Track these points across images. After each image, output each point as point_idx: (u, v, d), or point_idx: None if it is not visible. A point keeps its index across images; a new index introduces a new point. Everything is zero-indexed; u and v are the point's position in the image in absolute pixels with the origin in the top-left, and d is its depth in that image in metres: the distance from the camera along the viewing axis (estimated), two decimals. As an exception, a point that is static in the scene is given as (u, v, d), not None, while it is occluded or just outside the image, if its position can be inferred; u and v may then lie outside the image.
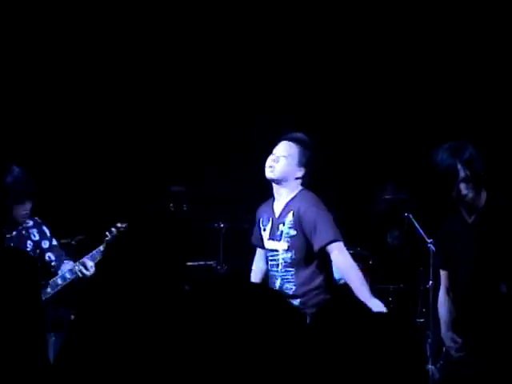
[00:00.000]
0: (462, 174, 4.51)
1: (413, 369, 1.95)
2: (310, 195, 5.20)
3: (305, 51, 8.02)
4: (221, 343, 1.89)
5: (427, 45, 7.74)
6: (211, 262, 7.33)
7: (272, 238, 5.27)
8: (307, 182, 5.21)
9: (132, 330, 2.60)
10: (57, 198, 7.66)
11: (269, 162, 5.25)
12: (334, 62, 7.99)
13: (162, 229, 2.80)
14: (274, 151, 5.26)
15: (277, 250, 5.22)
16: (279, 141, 5.30)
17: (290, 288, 5.13)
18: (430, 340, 6.26)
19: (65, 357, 2.61)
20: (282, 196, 5.24)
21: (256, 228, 5.44)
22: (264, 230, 5.33)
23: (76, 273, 5.59)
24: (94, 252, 5.63)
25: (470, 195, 4.56)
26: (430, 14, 7.66)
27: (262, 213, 5.39)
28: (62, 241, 6.83)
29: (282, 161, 5.20)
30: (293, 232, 5.15)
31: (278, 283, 5.18)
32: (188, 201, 7.75)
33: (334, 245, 5.02)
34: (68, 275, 5.64)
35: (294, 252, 5.15)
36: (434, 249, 6.28)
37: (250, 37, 8.00)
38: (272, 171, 5.21)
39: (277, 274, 5.22)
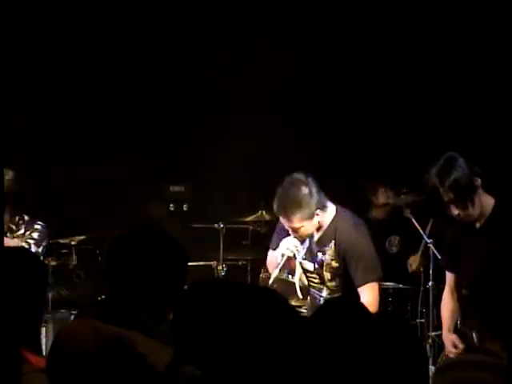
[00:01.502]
0: (445, 198, 4.55)
1: (415, 370, 1.95)
2: (348, 222, 4.98)
3: (304, 55, 8.00)
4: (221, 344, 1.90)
5: (427, 47, 7.73)
6: (211, 262, 7.33)
7: (310, 259, 5.10)
8: (324, 204, 4.94)
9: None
10: (57, 199, 7.66)
11: (295, 235, 5.01)
12: (332, 67, 7.99)
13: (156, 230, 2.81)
14: (289, 227, 4.98)
15: (318, 274, 5.08)
16: (277, 214, 4.99)
17: None
18: (430, 340, 6.25)
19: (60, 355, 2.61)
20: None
21: (279, 237, 5.18)
22: None
23: None
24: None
25: (462, 214, 4.59)
26: (430, 16, 7.66)
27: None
28: (62, 241, 6.85)
29: (304, 230, 4.95)
30: (335, 264, 4.97)
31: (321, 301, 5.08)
32: (188, 201, 7.74)
33: (369, 285, 4.87)
34: None
35: (338, 280, 5.00)
36: (434, 249, 6.28)
37: (249, 37, 7.99)
38: (303, 237, 5.01)
39: (321, 298, 5.10)
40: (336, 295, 5.00)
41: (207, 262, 7.33)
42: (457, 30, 7.57)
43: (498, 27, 7.39)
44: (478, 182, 4.61)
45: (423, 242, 6.65)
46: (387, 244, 7.34)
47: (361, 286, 4.86)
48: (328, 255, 4.97)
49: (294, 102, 7.93)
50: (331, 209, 4.98)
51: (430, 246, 6.34)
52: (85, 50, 7.92)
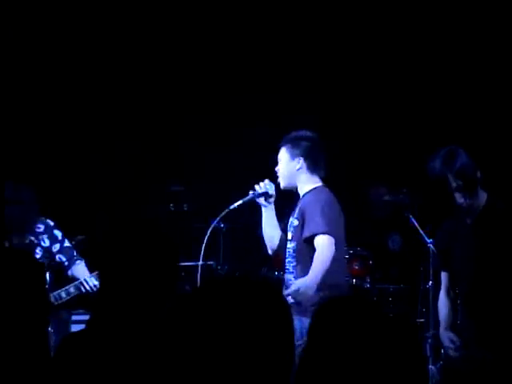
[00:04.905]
0: (453, 184, 4.55)
1: (413, 369, 1.95)
2: (320, 190, 5.28)
3: (304, 54, 8.02)
4: (220, 344, 1.89)
5: (424, 46, 7.74)
6: (211, 262, 7.33)
7: (288, 229, 5.38)
8: (314, 166, 5.28)
9: (129, 330, 2.60)
10: (57, 199, 7.66)
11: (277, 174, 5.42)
12: (332, 65, 7.99)
13: (151, 230, 2.81)
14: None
15: (288, 240, 5.32)
16: None
17: (290, 279, 5.14)
18: (430, 340, 6.26)
19: (66, 355, 2.61)
20: (299, 191, 5.34)
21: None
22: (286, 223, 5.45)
23: (80, 289, 5.66)
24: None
25: (465, 203, 4.59)
26: (430, 14, 7.66)
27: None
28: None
29: (279, 167, 5.36)
30: (296, 222, 5.23)
31: (285, 274, 5.27)
32: (188, 201, 7.74)
33: (320, 237, 5.05)
34: (72, 290, 5.69)
35: (295, 243, 5.21)
36: (434, 249, 6.29)
37: (251, 37, 8.00)
38: (280, 181, 5.37)
39: (285, 264, 5.30)
40: (291, 259, 5.21)
41: (207, 262, 7.33)
42: (453, 32, 7.58)
43: (497, 25, 7.40)
44: (479, 173, 4.63)
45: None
46: (390, 242, 7.35)
47: (310, 235, 5.06)
48: (294, 215, 5.27)
49: (292, 104, 7.93)
50: (314, 184, 5.29)
51: (430, 246, 6.34)
52: (88, 50, 7.94)
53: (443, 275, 4.97)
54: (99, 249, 2.77)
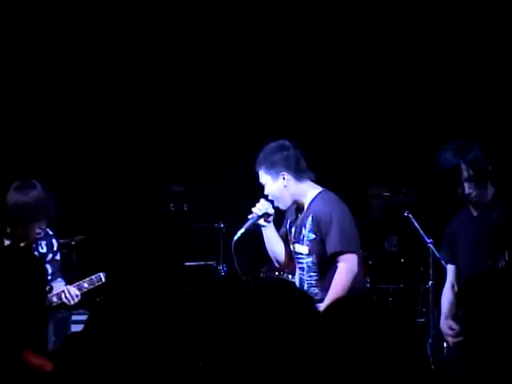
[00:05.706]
0: (465, 174, 4.59)
1: (418, 369, 1.96)
2: (328, 197, 5.14)
3: (302, 54, 8.02)
4: (223, 342, 1.90)
5: (424, 43, 7.74)
6: (211, 262, 7.33)
7: (297, 241, 5.22)
8: (299, 172, 5.13)
9: (133, 329, 2.60)
10: (57, 198, 7.66)
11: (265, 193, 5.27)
12: (331, 66, 7.99)
13: (158, 230, 2.81)
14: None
15: (302, 254, 5.18)
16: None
17: (316, 293, 5.03)
18: (430, 340, 6.26)
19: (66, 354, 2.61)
20: (301, 202, 5.20)
21: (283, 227, 5.39)
22: (290, 232, 5.29)
23: (61, 299, 5.60)
24: (82, 282, 5.62)
25: (474, 194, 4.64)
26: (431, 13, 7.66)
27: (289, 214, 5.33)
28: (62, 241, 6.85)
29: (267, 190, 5.21)
30: (312, 236, 5.10)
31: (305, 287, 5.11)
32: (188, 201, 7.74)
33: (342, 256, 4.97)
34: (55, 299, 5.63)
35: (314, 256, 5.09)
36: (434, 249, 6.29)
37: (249, 41, 8.01)
38: (278, 205, 5.22)
39: (303, 277, 5.17)
40: (313, 273, 5.10)
41: (207, 262, 7.34)
42: (453, 31, 7.59)
43: (497, 24, 7.41)
44: (490, 167, 4.69)
45: None
46: (386, 244, 7.34)
47: (333, 252, 4.97)
48: (307, 227, 5.10)
49: (292, 105, 7.94)
50: (313, 190, 5.15)
51: (430, 246, 6.35)
52: (90, 50, 7.95)
53: (449, 269, 5.00)
54: (104, 249, 2.79)
